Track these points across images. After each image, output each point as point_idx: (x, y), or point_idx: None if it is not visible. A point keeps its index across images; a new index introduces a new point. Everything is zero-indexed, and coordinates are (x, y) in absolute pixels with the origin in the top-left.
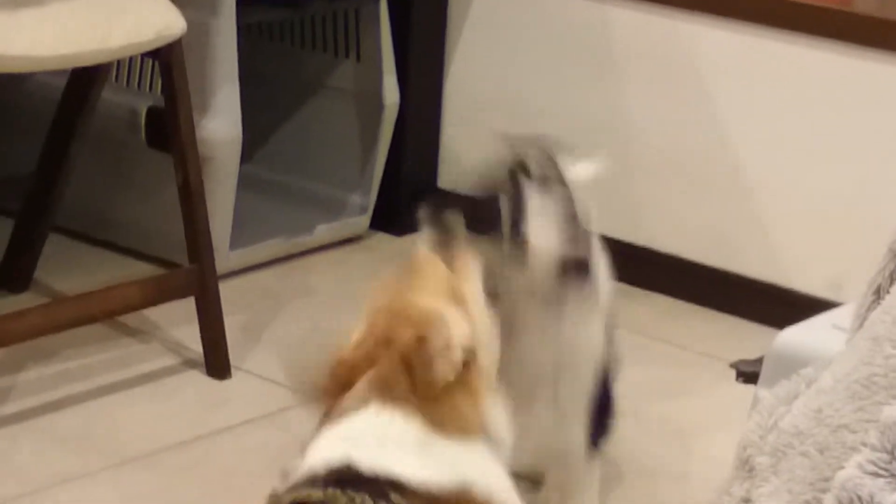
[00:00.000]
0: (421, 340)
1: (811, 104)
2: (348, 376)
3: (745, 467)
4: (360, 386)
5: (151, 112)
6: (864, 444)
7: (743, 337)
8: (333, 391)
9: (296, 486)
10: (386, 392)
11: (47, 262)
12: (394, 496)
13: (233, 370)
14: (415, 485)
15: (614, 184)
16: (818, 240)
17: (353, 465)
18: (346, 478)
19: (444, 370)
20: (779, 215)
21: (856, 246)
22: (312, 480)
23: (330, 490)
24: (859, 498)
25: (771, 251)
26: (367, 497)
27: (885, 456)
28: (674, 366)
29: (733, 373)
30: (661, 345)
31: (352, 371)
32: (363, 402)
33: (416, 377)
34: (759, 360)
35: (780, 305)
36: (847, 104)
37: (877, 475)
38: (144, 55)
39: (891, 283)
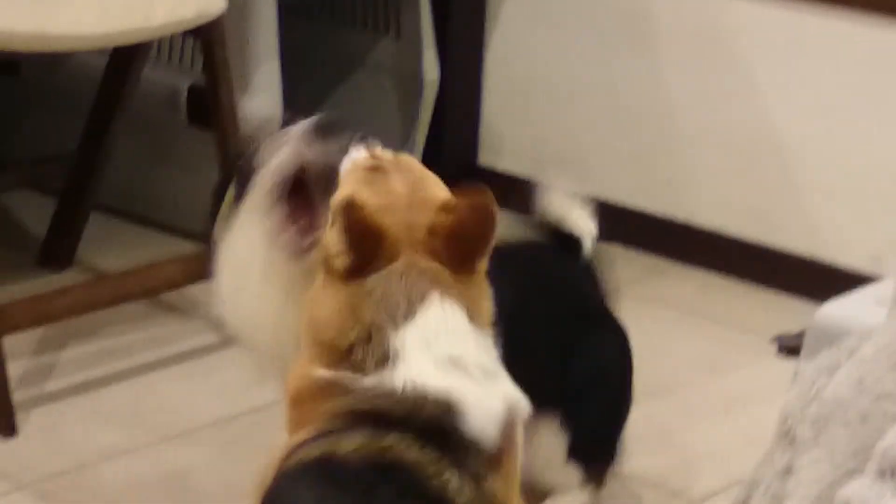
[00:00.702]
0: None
1: (852, 78)
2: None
3: (787, 437)
4: (410, 269)
5: (193, 90)
6: None
7: (784, 312)
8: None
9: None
10: (437, 279)
11: (89, 240)
12: (471, 462)
13: None
14: (483, 438)
15: (654, 159)
16: (859, 214)
17: (451, 416)
18: (437, 432)
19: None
20: (820, 190)
21: None
22: (410, 418)
23: (426, 452)
24: None
25: (812, 225)
26: (454, 473)
27: None
28: (715, 341)
29: (775, 347)
30: (703, 320)
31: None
32: (423, 293)
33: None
34: (801, 334)
35: (821, 280)
36: (888, 78)
37: None
38: (185, 33)
39: None
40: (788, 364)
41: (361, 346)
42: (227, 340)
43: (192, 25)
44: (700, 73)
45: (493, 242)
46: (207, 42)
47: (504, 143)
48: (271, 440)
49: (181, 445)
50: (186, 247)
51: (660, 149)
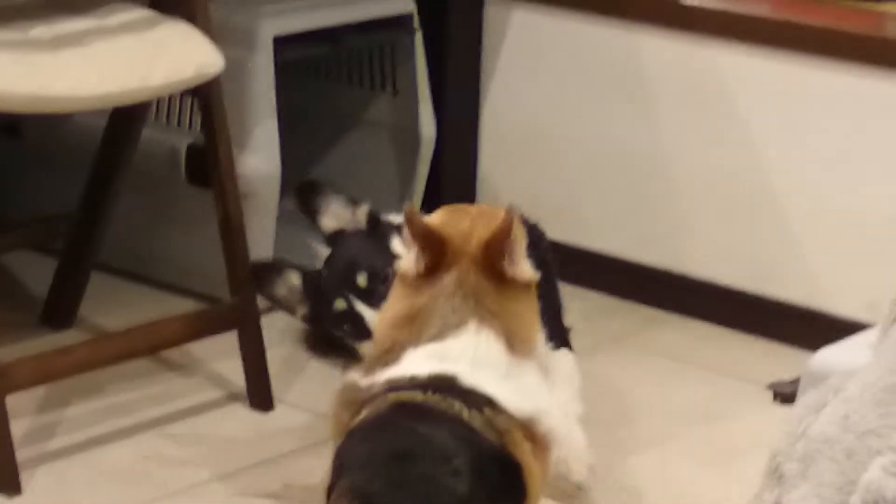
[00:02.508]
0: (501, 231)
1: (845, 128)
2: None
3: (776, 474)
4: (453, 295)
5: (191, 149)
6: (890, 448)
7: (781, 361)
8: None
9: (396, 387)
10: (479, 305)
11: (91, 299)
12: (487, 410)
13: (276, 402)
14: (504, 406)
15: (650, 210)
16: (854, 262)
17: (456, 377)
18: (446, 386)
19: (522, 264)
20: (814, 239)
21: (893, 267)
22: (414, 384)
23: (430, 394)
24: (884, 498)
25: (807, 275)
26: (463, 406)
27: None
28: (712, 390)
29: (771, 396)
30: (699, 370)
31: (445, 243)
32: (461, 321)
33: (496, 267)
34: (796, 381)
35: (816, 329)
36: (880, 127)
37: None
38: (184, 93)
39: None
40: (785, 412)
41: (384, 354)
42: (228, 396)
43: (190, 85)
44: (695, 124)
45: (512, 246)
46: (205, 101)
47: (501, 197)
48: (274, 494)
49: (185, 501)
50: (187, 304)
51: (656, 201)
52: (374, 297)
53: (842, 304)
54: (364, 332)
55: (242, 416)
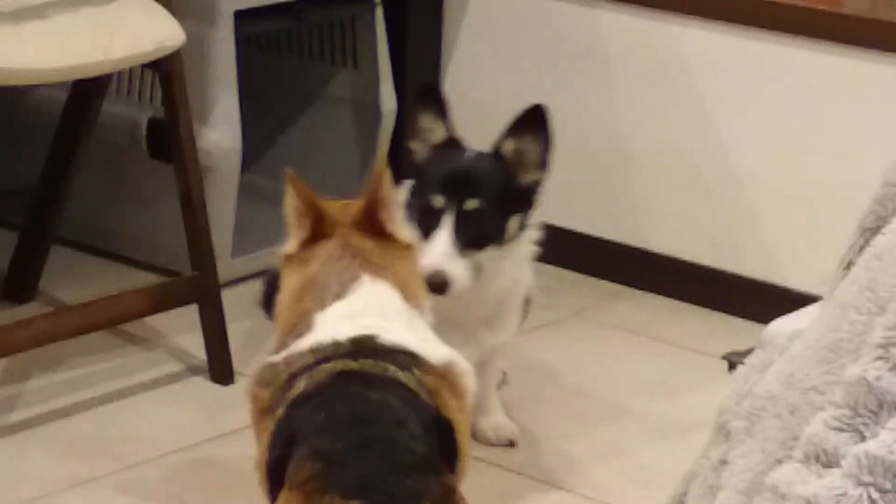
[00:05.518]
0: (375, 180)
1: (803, 104)
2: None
3: (722, 431)
4: (341, 256)
5: (152, 123)
6: (831, 403)
7: (739, 335)
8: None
9: (325, 359)
10: (366, 261)
11: (51, 272)
12: (415, 370)
13: (236, 375)
14: (423, 358)
15: (610, 186)
16: (812, 238)
17: (374, 337)
18: (370, 349)
19: (401, 225)
20: (773, 214)
21: (846, 243)
22: (340, 353)
23: (363, 360)
24: (824, 451)
25: (766, 250)
26: (396, 369)
27: (848, 412)
28: (671, 364)
29: (727, 367)
30: (659, 344)
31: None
32: (354, 276)
33: (376, 224)
34: (751, 351)
35: (775, 303)
36: (838, 103)
37: (840, 430)
38: (145, 67)
39: (858, 257)
40: None
41: (292, 329)
42: (189, 370)
43: (151, 58)
44: (655, 100)
45: (388, 201)
46: (166, 75)
47: None
48: (234, 467)
49: (145, 473)
50: (147, 278)
51: (615, 176)
52: None
53: (797, 278)
54: None
55: (203, 389)
